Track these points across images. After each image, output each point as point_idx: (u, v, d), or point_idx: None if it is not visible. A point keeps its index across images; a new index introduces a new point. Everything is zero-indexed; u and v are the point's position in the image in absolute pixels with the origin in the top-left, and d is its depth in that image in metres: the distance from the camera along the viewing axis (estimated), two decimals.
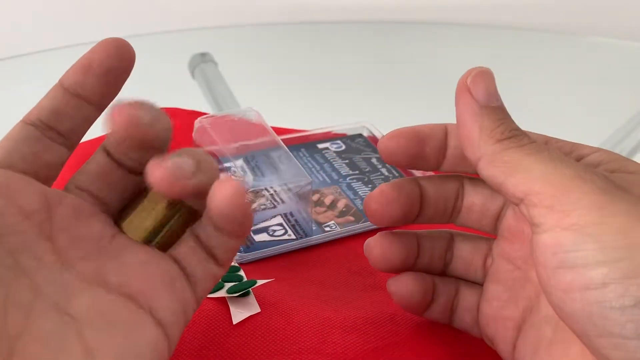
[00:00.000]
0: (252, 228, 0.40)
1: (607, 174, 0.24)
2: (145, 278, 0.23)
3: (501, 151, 0.24)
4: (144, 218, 0.24)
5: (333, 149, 0.50)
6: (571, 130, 0.36)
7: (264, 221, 0.41)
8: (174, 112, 0.52)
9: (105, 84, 0.23)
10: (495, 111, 0.24)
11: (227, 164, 0.44)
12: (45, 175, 0.23)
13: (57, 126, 0.24)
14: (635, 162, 0.25)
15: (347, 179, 0.46)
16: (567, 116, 0.57)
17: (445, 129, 0.27)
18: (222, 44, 0.70)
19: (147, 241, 0.24)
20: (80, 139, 0.25)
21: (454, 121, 0.26)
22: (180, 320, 0.23)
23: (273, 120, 0.44)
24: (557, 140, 0.27)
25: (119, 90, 0.24)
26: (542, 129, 0.28)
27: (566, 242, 0.21)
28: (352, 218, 0.42)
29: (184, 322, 0.23)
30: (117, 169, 0.24)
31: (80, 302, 0.21)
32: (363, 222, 0.41)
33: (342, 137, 0.51)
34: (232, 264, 0.37)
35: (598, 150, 0.26)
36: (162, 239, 0.24)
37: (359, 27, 0.76)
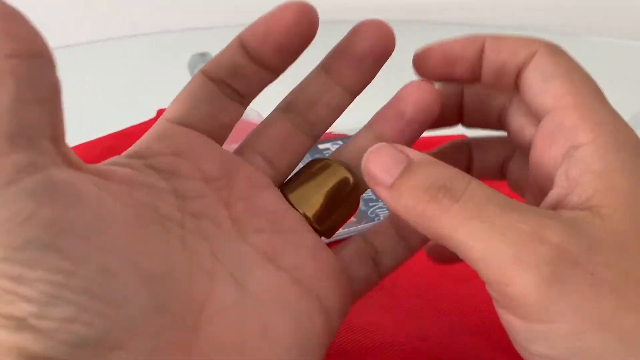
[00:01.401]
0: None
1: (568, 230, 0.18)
2: (316, 265, 0.22)
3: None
4: (319, 195, 0.23)
5: (334, 150, 0.50)
6: None
7: None
8: None
9: (284, 52, 0.22)
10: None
11: None
12: (219, 136, 0.23)
13: (234, 84, 0.23)
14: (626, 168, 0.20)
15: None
16: None
17: (482, 45, 0.23)
18: (222, 44, 0.70)
19: (316, 218, 0.23)
20: (252, 99, 0.24)
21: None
22: (341, 315, 0.22)
23: None
24: (568, 111, 0.21)
25: (299, 55, 0.23)
26: None
27: (520, 330, 0.18)
28: (354, 219, 0.42)
29: (343, 319, 0.23)
30: (296, 131, 0.24)
31: (254, 276, 0.21)
32: (365, 223, 0.41)
33: (343, 137, 0.51)
34: None
35: (595, 140, 0.20)
36: (330, 223, 0.24)
37: None
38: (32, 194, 0.16)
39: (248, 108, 0.24)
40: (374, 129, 0.25)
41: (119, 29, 0.64)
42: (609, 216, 0.18)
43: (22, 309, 0.15)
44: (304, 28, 0.22)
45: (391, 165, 0.20)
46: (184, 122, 0.22)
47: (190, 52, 0.63)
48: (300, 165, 0.25)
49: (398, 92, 0.25)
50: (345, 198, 0.24)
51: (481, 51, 0.23)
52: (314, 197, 0.23)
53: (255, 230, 0.22)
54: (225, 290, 0.20)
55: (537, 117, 0.22)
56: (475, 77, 0.24)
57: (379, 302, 0.34)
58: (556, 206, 0.20)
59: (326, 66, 0.24)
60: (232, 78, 0.23)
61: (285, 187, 0.24)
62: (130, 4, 0.77)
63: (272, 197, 0.23)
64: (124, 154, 0.21)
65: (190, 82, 0.23)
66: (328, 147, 0.50)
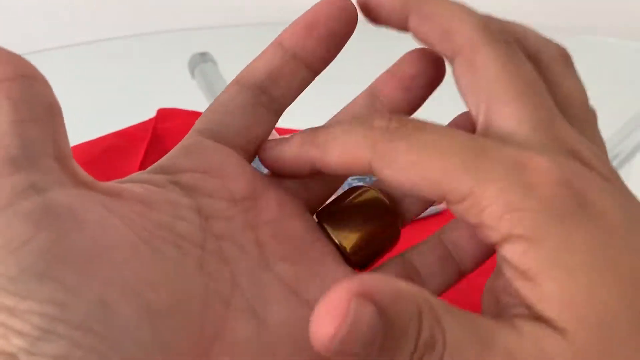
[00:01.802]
0: None
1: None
2: None
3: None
4: (357, 224, 0.22)
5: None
6: None
7: None
8: (174, 113, 0.52)
9: (326, 47, 0.22)
10: None
11: None
12: (250, 151, 0.22)
13: (272, 90, 0.22)
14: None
15: (349, 179, 0.46)
16: None
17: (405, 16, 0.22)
18: (222, 44, 0.70)
19: (352, 249, 0.22)
20: (289, 105, 0.23)
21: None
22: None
23: None
24: (556, 66, 0.21)
25: (338, 52, 0.23)
26: None
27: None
28: None
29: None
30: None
31: (275, 308, 0.19)
32: None
33: None
34: None
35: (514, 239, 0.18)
36: (365, 255, 0.22)
37: (359, 27, 0.76)
38: (28, 219, 0.15)
39: None
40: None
41: (119, 29, 0.64)
42: (569, 333, 0.17)
43: (13, 343, 0.14)
44: (346, 21, 0.21)
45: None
46: (215, 136, 0.21)
47: (190, 52, 0.63)
48: (340, 191, 0.24)
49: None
50: (385, 229, 0.22)
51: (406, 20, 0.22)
52: (351, 226, 0.22)
53: (280, 257, 0.20)
54: (242, 323, 0.18)
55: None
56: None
57: None
58: (499, 296, 0.19)
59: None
60: (269, 82, 0.22)
61: (321, 213, 0.23)
62: (130, 4, 0.77)
63: (302, 224, 0.22)
64: (149, 169, 0.20)
65: (223, 92, 0.22)
66: None
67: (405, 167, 0.18)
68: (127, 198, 0.18)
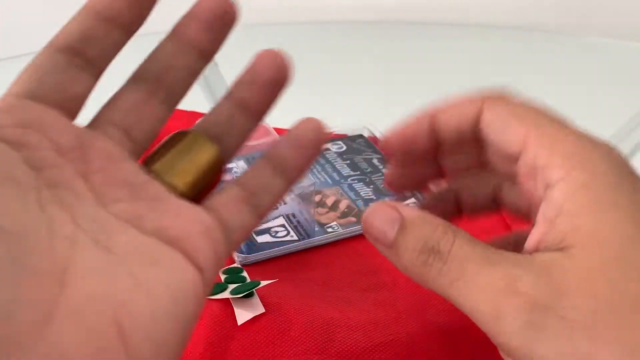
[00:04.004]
0: (254, 229, 0.40)
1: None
2: (182, 224, 0.22)
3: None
4: (181, 163, 0.24)
5: (334, 150, 0.50)
6: None
7: (266, 222, 0.41)
8: (174, 113, 0.52)
9: (135, 5, 0.23)
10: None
11: (228, 165, 0.44)
12: (72, 109, 0.23)
13: (86, 52, 0.23)
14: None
15: (349, 179, 0.46)
16: (567, 116, 0.57)
17: (431, 120, 0.25)
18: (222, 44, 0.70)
19: (181, 185, 0.23)
20: (107, 66, 0.24)
21: None
22: (215, 268, 0.23)
23: (273, 120, 0.44)
24: (537, 149, 0.23)
25: (152, 7, 0.23)
26: None
27: None
28: (354, 219, 0.42)
29: (217, 269, 0.23)
30: (150, 99, 0.24)
31: (119, 239, 0.21)
32: None
33: (342, 137, 0.51)
34: (235, 265, 0.37)
35: (564, 177, 0.21)
36: (195, 188, 0.24)
37: (359, 27, 0.76)
38: None
39: None
40: (234, 96, 0.25)
41: None
42: (578, 256, 0.20)
43: None
44: None
45: (387, 226, 0.23)
46: (32, 96, 0.22)
47: None
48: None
49: (252, 61, 0.25)
50: (208, 164, 0.24)
51: (433, 125, 0.25)
52: (176, 165, 0.24)
53: (115, 200, 0.22)
54: (89, 254, 0.20)
55: (514, 162, 0.24)
56: (437, 148, 0.26)
57: (379, 301, 0.34)
58: (537, 245, 0.22)
59: (176, 33, 0.24)
60: (83, 44, 0.23)
61: (151, 159, 0.24)
62: None
63: (130, 169, 0.23)
64: None
65: (36, 56, 0.23)
66: (328, 147, 0.50)
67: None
68: None
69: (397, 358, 0.30)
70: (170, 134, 0.25)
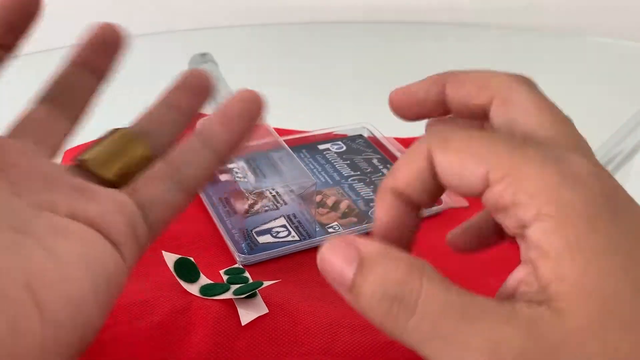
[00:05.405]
0: (256, 229, 0.40)
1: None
2: (94, 206, 0.23)
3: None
4: (99, 148, 0.25)
5: (334, 150, 0.50)
6: None
7: (267, 223, 0.41)
8: None
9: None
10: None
11: (228, 165, 0.44)
12: None
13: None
14: None
15: (349, 180, 0.46)
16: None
17: (443, 87, 0.25)
18: (222, 44, 0.70)
19: (97, 165, 0.25)
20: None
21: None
22: (134, 240, 0.23)
23: (273, 120, 0.44)
24: (500, 187, 0.20)
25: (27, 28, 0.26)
26: None
27: None
28: (354, 219, 0.42)
29: (140, 243, 0.24)
30: (56, 115, 0.26)
31: (34, 224, 0.22)
32: (366, 223, 0.41)
33: (342, 138, 0.51)
34: (237, 265, 0.37)
35: (539, 214, 0.19)
36: (116, 169, 0.25)
37: (359, 27, 0.76)
38: None
39: None
40: (167, 99, 0.28)
41: None
42: (567, 315, 0.18)
43: None
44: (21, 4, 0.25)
45: (344, 266, 0.20)
46: None
47: (191, 52, 0.63)
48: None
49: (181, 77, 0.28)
50: (127, 145, 0.26)
51: (443, 92, 0.25)
52: (102, 155, 0.25)
53: (31, 191, 0.23)
54: (3, 236, 0.21)
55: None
56: (444, 111, 0.26)
57: None
58: (519, 285, 0.20)
59: (76, 59, 0.27)
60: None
61: (83, 154, 0.26)
62: (130, 4, 0.77)
63: (46, 164, 0.24)
64: None
65: None
66: (328, 147, 0.50)
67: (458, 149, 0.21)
68: None
69: (402, 359, 0.30)
70: (107, 131, 0.26)
